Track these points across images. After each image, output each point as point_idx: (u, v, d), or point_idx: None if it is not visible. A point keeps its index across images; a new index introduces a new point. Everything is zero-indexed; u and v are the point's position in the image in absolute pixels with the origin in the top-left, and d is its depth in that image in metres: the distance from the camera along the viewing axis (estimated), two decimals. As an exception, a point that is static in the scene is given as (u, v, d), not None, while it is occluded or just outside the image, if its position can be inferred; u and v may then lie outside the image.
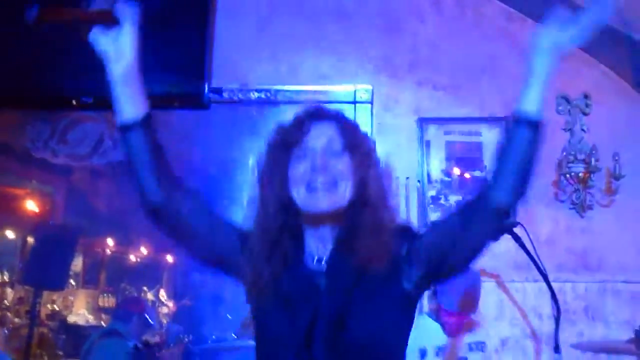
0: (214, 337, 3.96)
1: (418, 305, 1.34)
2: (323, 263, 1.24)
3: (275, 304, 1.22)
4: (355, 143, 1.26)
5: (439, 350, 2.32)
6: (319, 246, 1.26)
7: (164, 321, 4.72)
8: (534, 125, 1.11)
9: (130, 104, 1.22)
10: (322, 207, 1.21)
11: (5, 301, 4.85)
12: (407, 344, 1.27)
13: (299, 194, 1.23)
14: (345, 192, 1.23)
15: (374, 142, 1.36)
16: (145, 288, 5.86)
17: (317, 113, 1.31)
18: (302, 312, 1.18)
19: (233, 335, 3.82)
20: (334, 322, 1.16)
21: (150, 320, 3.82)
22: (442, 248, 1.19)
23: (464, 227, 1.17)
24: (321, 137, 1.25)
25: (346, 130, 1.27)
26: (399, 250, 1.23)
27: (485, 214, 1.15)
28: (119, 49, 1.20)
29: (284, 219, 1.25)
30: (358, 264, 1.20)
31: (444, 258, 1.20)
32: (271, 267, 1.23)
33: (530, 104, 1.11)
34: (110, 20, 1.19)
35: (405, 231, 1.28)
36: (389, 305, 1.20)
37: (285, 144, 1.27)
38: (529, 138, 1.11)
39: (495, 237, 1.21)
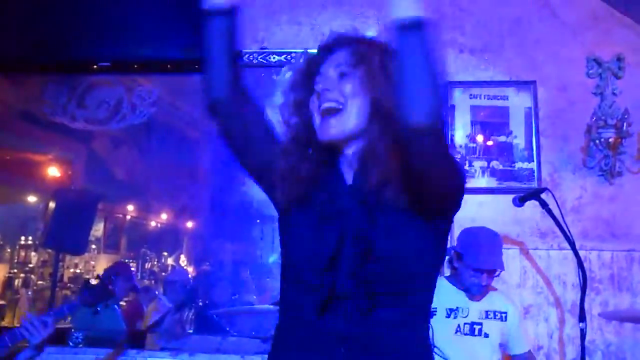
0: (235, 296, 4.00)
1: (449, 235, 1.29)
2: (351, 184, 1.23)
3: (303, 225, 1.21)
4: (368, 58, 1.20)
5: (450, 312, 2.31)
6: (350, 171, 1.24)
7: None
8: (415, 27, 1.02)
9: None
10: (329, 135, 1.21)
11: (30, 264, 4.95)
12: (437, 272, 1.25)
13: (316, 123, 1.23)
14: (353, 115, 1.19)
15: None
16: (165, 253, 5.94)
17: (334, 42, 1.28)
18: (329, 233, 1.17)
19: (253, 297, 3.86)
20: (359, 247, 1.15)
21: (135, 284, 3.95)
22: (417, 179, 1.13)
23: (405, 157, 1.11)
24: (333, 63, 1.24)
25: (360, 49, 1.23)
26: None
27: (410, 138, 1.06)
28: None
29: (308, 145, 1.25)
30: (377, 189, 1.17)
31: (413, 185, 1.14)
32: (301, 189, 1.23)
33: (402, 7, 1.03)
34: None
35: None
36: (417, 233, 1.17)
37: (307, 75, 1.28)
38: (416, 42, 1.02)
39: (437, 154, 1.10)
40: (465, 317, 2.32)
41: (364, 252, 1.14)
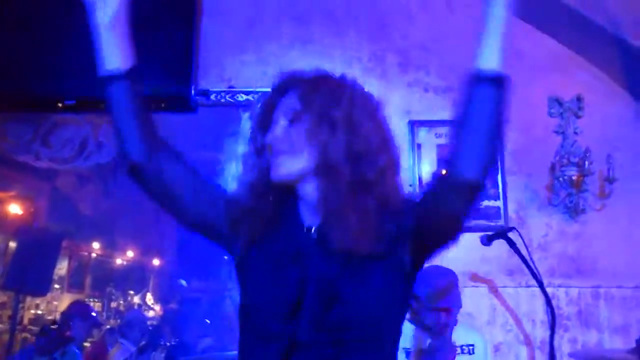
0: (207, 339, 3.90)
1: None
2: (313, 231, 1.19)
3: (263, 271, 1.18)
4: (315, 104, 1.18)
5: (408, 354, 2.28)
6: (310, 215, 1.21)
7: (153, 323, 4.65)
8: (497, 82, 1.04)
9: (115, 53, 1.19)
10: (277, 175, 1.19)
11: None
12: (402, 323, 1.23)
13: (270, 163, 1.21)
14: (301, 160, 1.18)
15: (363, 100, 1.24)
16: (131, 292, 5.80)
17: (283, 84, 1.26)
18: (290, 279, 1.13)
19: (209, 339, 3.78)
20: (324, 292, 1.11)
21: (96, 320, 3.86)
22: (422, 224, 1.15)
23: (437, 205, 1.12)
24: (282, 108, 1.22)
25: (310, 93, 1.20)
26: (396, 225, 1.17)
27: (456, 190, 1.07)
28: None
29: (269, 189, 1.22)
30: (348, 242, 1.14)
31: (425, 233, 1.15)
32: (260, 233, 1.20)
33: (489, 59, 1.04)
34: None
35: (407, 204, 1.20)
36: (383, 279, 1.14)
37: (263, 121, 1.25)
38: (493, 96, 1.04)
39: (470, 209, 1.11)
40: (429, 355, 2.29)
41: (328, 297, 1.10)
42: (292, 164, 1.18)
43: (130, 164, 1.21)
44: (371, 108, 1.24)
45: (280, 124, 1.20)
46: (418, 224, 1.15)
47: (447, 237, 1.17)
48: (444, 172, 1.09)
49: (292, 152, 1.17)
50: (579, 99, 2.96)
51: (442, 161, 2.94)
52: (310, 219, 1.21)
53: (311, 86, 1.22)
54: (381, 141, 1.21)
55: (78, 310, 3.73)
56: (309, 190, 1.19)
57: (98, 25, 1.19)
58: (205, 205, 1.24)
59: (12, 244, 4.27)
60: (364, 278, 1.13)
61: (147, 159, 1.20)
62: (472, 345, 2.36)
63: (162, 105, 3.05)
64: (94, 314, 4.07)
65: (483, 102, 1.04)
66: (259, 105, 1.29)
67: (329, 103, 1.18)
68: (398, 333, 1.22)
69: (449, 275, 2.32)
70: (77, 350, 3.23)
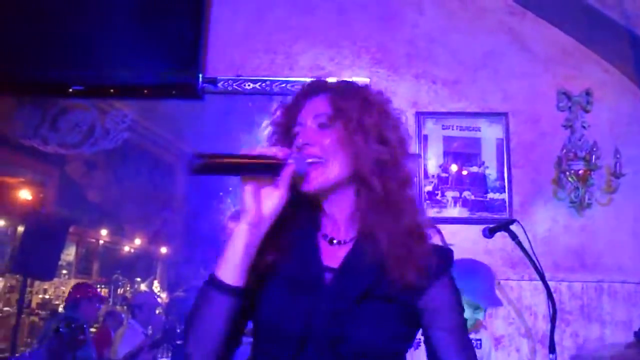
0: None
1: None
2: (335, 242, 1.17)
3: (276, 296, 1.12)
4: (346, 112, 1.14)
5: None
6: (332, 226, 1.19)
7: (158, 311, 4.69)
8: None
9: (237, 270, 1.07)
10: (310, 187, 1.14)
11: (-6, 290, 4.81)
12: (409, 348, 1.20)
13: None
14: (335, 167, 1.13)
15: (389, 111, 1.20)
16: (138, 279, 5.83)
17: (311, 88, 1.22)
18: (300, 311, 1.09)
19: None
20: (330, 330, 1.07)
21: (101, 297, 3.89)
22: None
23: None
24: (311, 112, 1.17)
25: (338, 99, 1.16)
26: (429, 272, 1.13)
27: None
28: (263, 212, 1.09)
29: (292, 198, 1.14)
30: (377, 268, 1.11)
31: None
32: (279, 247, 1.14)
33: None
34: (274, 171, 1.08)
35: (444, 257, 1.19)
36: (397, 318, 1.13)
37: (286, 123, 1.21)
38: None
39: None
40: None
41: (334, 335, 1.07)
42: (327, 172, 1.13)
43: None
44: (396, 120, 1.21)
45: (310, 126, 1.16)
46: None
47: None
48: None
49: (325, 157, 1.13)
50: (588, 93, 2.94)
51: (448, 154, 2.94)
52: (331, 230, 1.18)
53: (342, 92, 1.18)
54: (403, 153, 1.19)
55: (83, 292, 3.77)
56: (334, 203, 1.17)
57: (237, 238, 1.08)
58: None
59: (20, 229, 4.30)
60: (376, 318, 1.10)
61: None
62: (480, 340, 2.35)
63: (170, 92, 3.07)
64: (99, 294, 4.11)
65: None
66: (278, 110, 1.24)
67: (360, 110, 1.15)
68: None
69: (483, 273, 2.31)
70: (92, 353, 3.22)
